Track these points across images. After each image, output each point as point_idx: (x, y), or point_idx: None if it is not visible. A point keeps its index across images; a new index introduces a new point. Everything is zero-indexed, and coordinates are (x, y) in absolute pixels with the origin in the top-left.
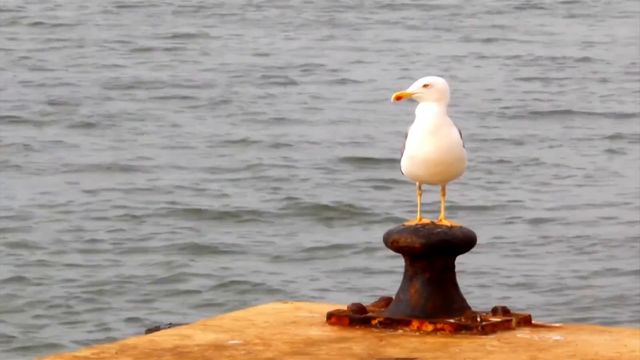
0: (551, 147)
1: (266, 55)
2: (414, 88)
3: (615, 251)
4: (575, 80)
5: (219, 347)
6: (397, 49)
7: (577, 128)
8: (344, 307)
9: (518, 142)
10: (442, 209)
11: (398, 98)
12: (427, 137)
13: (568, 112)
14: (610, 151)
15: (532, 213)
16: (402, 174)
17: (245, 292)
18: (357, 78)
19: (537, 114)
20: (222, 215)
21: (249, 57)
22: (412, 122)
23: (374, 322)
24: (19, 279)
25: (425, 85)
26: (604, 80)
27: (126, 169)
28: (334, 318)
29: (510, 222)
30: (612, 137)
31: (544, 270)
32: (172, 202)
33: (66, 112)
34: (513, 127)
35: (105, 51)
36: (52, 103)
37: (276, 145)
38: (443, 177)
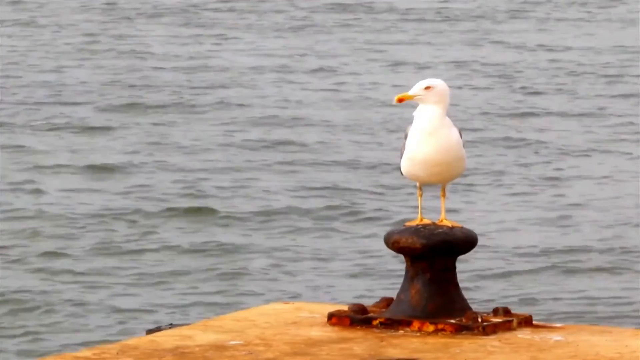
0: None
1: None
2: (416, 90)
3: (615, 251)
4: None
5: (219, 347)
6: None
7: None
8: (345, 308)
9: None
10: (443, 210)
11: (400, 100)
12: (426, 138)
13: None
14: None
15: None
16: (402, 174)
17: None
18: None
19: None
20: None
21: None
22: (411, 122)
23: (375, 322)
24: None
25: (427, 88)
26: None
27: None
28: (334, 318)
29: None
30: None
31: (545, 269)
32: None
33: None
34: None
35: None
36: None
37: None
38: (443, 177)
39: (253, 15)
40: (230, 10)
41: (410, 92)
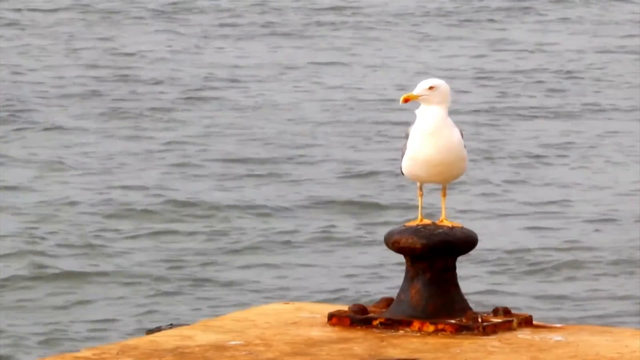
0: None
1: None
2: (420, 90)
3: (613, 250)
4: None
5: (220, 347)
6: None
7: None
8: (345, 308)
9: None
10: (443, 210)
11: (406, 100)
12: (427, 138)
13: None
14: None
15: (535, 208)
16: (402, 174)
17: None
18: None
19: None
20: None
21: None
22: (412, 123)
23: (375, 322)
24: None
25: (430, 88)
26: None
27: None
28: (335, 319)
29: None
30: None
31: (545, 269)
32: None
33: None
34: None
35: None
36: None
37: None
38: (444, 177)
39: (239, 18)
40: (216, 11)
41: (415, 92)
